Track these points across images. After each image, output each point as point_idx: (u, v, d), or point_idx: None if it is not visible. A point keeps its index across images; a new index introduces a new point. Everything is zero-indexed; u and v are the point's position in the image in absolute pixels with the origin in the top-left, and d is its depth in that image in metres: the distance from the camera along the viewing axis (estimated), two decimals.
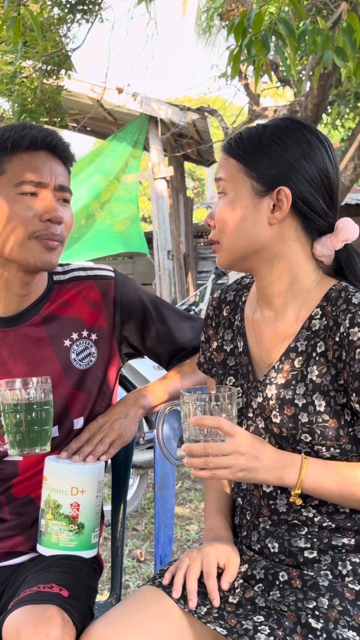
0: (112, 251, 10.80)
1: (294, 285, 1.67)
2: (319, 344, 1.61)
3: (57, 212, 1.83)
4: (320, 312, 1.63)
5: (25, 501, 1.95)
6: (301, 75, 9.07)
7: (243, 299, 1.85)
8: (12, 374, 1.89)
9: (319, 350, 1.61)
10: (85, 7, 7.10)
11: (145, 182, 12.23)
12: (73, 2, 7.07)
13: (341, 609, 1.49)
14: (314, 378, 1.60)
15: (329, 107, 10.34)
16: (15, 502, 1.95)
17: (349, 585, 1.55)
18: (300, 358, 1.63)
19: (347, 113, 10.93)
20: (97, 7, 7.09)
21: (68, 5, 7.11)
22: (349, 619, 1.48)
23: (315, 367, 1.60)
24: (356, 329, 1.53)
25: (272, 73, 9.39)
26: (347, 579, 1.57)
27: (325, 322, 1.61)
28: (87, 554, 1.85)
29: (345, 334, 1.55)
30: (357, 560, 1.59)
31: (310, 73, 7.53)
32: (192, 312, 6.50)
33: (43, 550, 1.84)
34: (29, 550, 1.95)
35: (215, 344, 1.87)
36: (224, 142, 1.71)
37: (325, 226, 1.66)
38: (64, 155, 1.89)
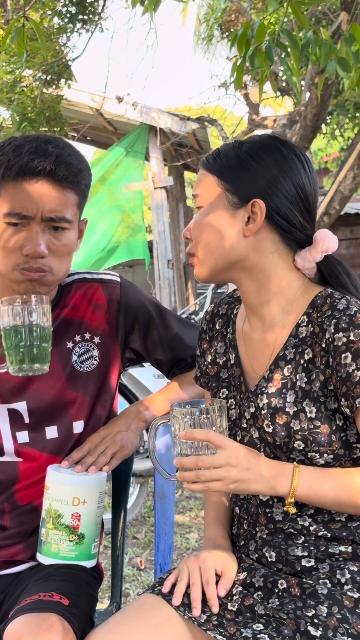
0: (116, 261, 10.77)
1: (277, 295, 1.69)
2: (306, 351, 1.63)
3: (38, 247, 1.78)
4: (306, 319, 1.65)
5: (28, 509, 1.96)
6: (301, 85, 9.10)
7: (235, 311, 1.86)
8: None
9: (306, 357, 1.62)
10: (85, 17, 7.14)
11: (145, 191, 12.26)
12: (73, 11, 7.10)
13: (340, 616, 1.49)
14: (303, 385, 1.61)
15: (328, 117, 10.37)
16: (18, 509, 1.96)
17: (348, 593, 1.55)
18: (290, 366, 1.64)
19: (346, 123, 10.96)
20: (97, 17, 7.12)
21: (68, 15, 7.14)
22: (347, 627, 1.48)
23: (304, 374, 1.62)
24: (341, 334, 1.54)
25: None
26: (345, 586, 1.57)
27: (312, 328, 1.63)
28: (87, 564, 1.85)
29: (330, 339, 1.56)
30: (355, 569, 1.59)
31: (310, 83, 7.56)
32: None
33: (43, 559, 1.84)
34: (29, 559, 1.96)
35: (209, 358, 1.88)
36: (202, 159, 1.74)
37: (303, 238, 1.68)
38: (64, 183, 1.80)
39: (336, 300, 1.60)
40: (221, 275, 1.71)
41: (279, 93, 10.48)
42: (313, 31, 3.24)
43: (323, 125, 10.36)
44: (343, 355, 1.53)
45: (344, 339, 1.53)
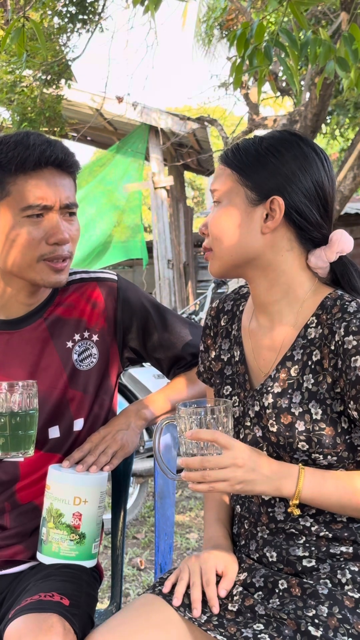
0: (113, 260, 10.79)
1: (288, 293, 1.68)
2: (314, 353, 1.62)
3: (63, 234, 1.83)
4: (315, 321, 1.64)
5: (28, 508, 1.96)
6: (301, 85, 9.10)
7: (240, 308, 1.86)
8: (15, 376, 1.91)
9: (314, 359, 1.62)
10: (86, 17, 7.14)
11: (145, 191, 12.25)
12: (73, 11, 7.10)
13: (341, 616, 1.49)
14: (310, 386, 1.61)
15: (328, 117, 10.37)
16: (19, 508, 1.96)
17: (349, 593, 1.55)
18: (297, 367, 1.64)
19: (346, 123, 10.96)
20: (97, 17, 7.12)
21: (68, 15, 7.14)
22: (348, 627, 1.48)
23: (311, 375, 1.61)
24: (351, 337, 1.54)
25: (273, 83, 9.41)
26: (346, 587, 1.57)
27: (321, 330, 1.62)
28: (87, 563, 1.85)
29: (340, 342, 1.56)
30: (356, 569, 1.59)
31: (310, 83, 7.56)
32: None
33: (43, 558, 1.84)
34: (29, 559, 1.95)
35: (213, 354, 1.88)
36: (221, 153, 1.73)
37: (320, 238, 1.67)
38: (69, 170, 1.88)
39: (346, 303, 1.60)
40: (235, 271, 1.70)
41: (278, 93, 10.48)
42: (312, 31, 3.25)
43: (323, 125, 10.36)
44: (353, 358, 1.53)
45: (354, 342, 1.53)
